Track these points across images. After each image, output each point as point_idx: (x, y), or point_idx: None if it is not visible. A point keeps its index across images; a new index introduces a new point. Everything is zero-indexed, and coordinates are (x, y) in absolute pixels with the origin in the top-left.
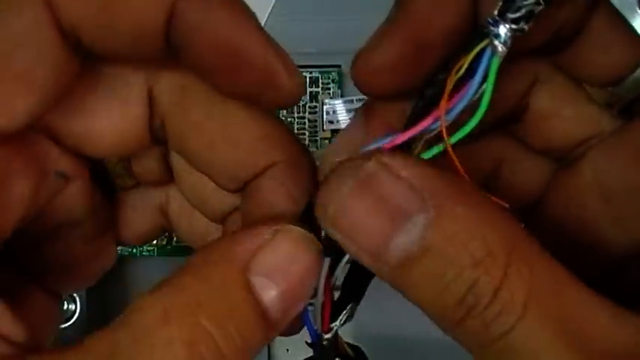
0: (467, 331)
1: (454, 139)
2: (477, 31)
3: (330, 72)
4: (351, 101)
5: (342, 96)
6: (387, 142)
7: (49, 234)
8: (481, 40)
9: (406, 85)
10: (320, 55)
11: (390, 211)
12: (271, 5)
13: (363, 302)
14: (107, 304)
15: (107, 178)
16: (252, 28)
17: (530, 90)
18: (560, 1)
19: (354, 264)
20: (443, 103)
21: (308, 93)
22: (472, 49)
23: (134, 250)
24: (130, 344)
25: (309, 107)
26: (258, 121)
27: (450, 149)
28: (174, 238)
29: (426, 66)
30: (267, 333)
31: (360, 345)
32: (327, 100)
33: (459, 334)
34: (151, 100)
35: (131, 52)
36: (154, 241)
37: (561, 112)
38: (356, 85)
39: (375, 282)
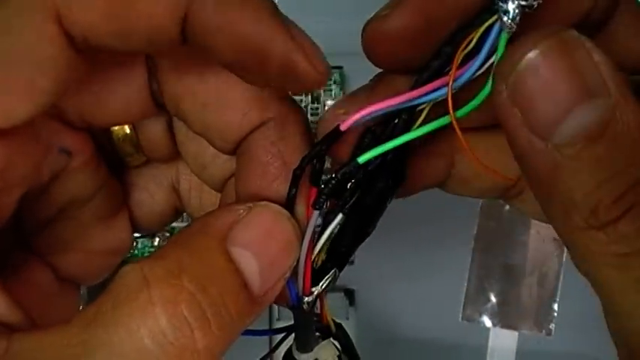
0: (614, 233)
1: (460, 113)
2: (485, 6)
3: (332, 73)
4: None
5: None
6: (380, 105)
7: (58, 212)
8: (490, 16)
9: (415, 57)
10: None
11: (581, 83)
12: None
13: (363, 302)
14: None
15: (116, 158)
16: (269, 21)
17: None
18: None
19: (342, 229)
20: (452, 73)
21: (310, 95)
22: (481, 24)
23: (135, 252)
24: (111, 309)
25: (311, 109)
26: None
27: (454, 122)
28: None
29: (436, 39)
30: (251, 306)
31: (359, 344)
32: (329, 102)
33: (601, 238)
34: (149, 65)
35: (145, 50)
36: (155, 242)
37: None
38: (365, 53)
39: (374, 281)
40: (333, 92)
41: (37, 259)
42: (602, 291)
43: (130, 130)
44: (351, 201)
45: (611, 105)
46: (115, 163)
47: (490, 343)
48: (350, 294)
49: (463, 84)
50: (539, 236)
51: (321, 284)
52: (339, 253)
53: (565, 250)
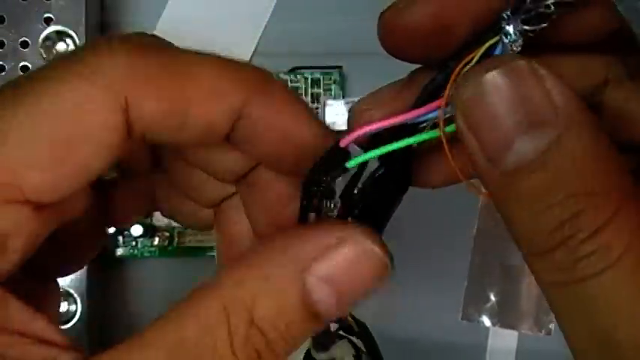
0: (552, 262)
1: (450, 128)
2: (492, 25)
3: (331, 73)
4: (353, 102)
5: (343, 97)
6: (379, 124)
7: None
8: (493, 35)
9: (433, 51)
10: (321, 56)
11: (524, 113)
12: (272, 6)
13: (362, 301)
14: (108, 305)
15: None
16: (311, 122)
17: (603, 89)
18: (570, 7)
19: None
20: (446, 94)
21: (309, 94)
22: (484, 42)
23: (135, 252)
24: (195, 340)
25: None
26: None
27: (444, 138)
28: (176, 239)
29: (453, 36)
30: (317, 327)
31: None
32: (328, 101)
33: (541, 265)
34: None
35: (192, 145)
36: (155, 242)
37: (636, 113)
38: (381, 44)
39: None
40: (332, 92)
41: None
42: (554, 314)
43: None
44: (357, 210)
45: (555, 135)
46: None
47: (490, 343)
48: None
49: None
50: None
51: None
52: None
53: None
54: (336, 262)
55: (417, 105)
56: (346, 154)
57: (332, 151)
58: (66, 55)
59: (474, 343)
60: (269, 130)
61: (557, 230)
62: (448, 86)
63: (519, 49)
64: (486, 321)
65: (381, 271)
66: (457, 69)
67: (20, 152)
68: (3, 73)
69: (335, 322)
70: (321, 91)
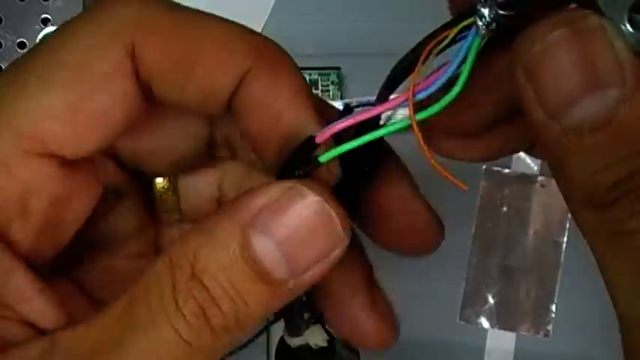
0: (608, 214)
1: (420, 116)
2: (470, 7)
3: (329, 74)
4: (351, 103)
5: (341, 98)
6: (350, 121)
7: (94, 246)
8: (469, 17)
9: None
10: (319, 57)
11: (592, 72)
12: (270, 7)
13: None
14: None
15: (156, 209)
16: (307, 109)
17: None
18: None
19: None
20: (414, 76)
21: None
22: (457, 23)
23: None
24: (144, 296)
25: None
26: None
27: (415, 126)
28: None
29: None
30: (270, 293)
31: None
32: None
33: (596, 216)
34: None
35: (194, 107)
36: None
37: None
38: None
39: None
40: (330, 93)
41: (68, 280)
42: (600, 268)
43: (172, 191)
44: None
45: (622, 96)
46: (155, 212)
47: (488, 344)
48: None
49: (430, 93)
50: (537, 237)
51: None
52: None
53: (563, 251)
54: (279, 214)
55: (387, 86)
56: (315, 147)
57: (305, 145)
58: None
59: (472, 345)
60: (264, 106)
61: (617, 186)
62: (417, 65)
63: (492, 34)
64: (484, 322)
65: (332, 230)
66: (428, 47)
67: (38, 102)
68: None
69: (304, 308)
70: (319, 92)
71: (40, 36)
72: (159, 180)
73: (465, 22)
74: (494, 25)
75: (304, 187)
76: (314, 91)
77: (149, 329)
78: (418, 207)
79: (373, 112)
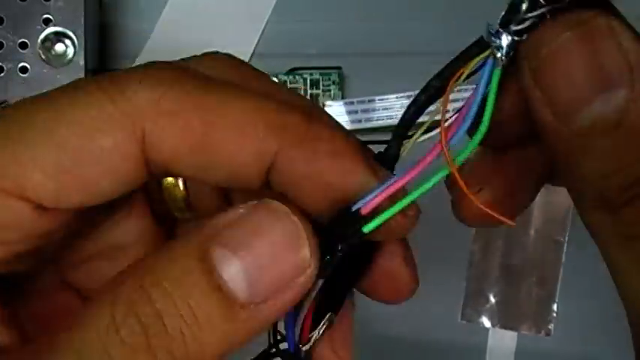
0: (620, 217)
1: (459, 160)
2: (476, 40)
3: (330, 74)
4: (352, 103)
5: (342, 98)
6: (391, 184)
7: (96, 254)
8: (480, 50)
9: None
10: (320, 57)
11: (601, 73)
12: (271, 7)
13: (361, 302)
14: None
15: (165, 209)
16: (361, 171)
17: None
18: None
19: (338, 269)
20: (442, 127)
21: (308, 95)
22: (470, 57)
23: None
24: (81, 312)
25: None
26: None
27: (456, 174)
28: None
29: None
30: (232, 319)
31: (357, 344)
32: (327, 102)
33: (608, 219)
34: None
35: (226, 185)
36: None
37: None
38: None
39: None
40: (331, 93)
41: (68, 287)
42: (611, 270)
43: (182, 190)
44: (332, 267)
45: (632, 97)
46: (164, 212)
47: (489, 344)
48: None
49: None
50: (539, 237)
51: (318, 329)
52: (334, 295)
53: (564, 250)
54: (240, 229)
55: (402, 125)
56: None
57: (347, 218)
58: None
59: (474, 344)
60: (309, 182)
61: (629, 188)
62: (442, 115)
63: (509, 61)
64: (486, 322)
65: (299, 253)
66: (449, 84)
67: (29, 151)
68: (2, 74)
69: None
70: (320, 92)
71: (42, 36)
72: (168, 180)
73: (483, 55)
74: (512, 52)
75: (274, 202)
76: (314, 91)
77: (76, 349)
78: (405, 271)
79: (412, 173)
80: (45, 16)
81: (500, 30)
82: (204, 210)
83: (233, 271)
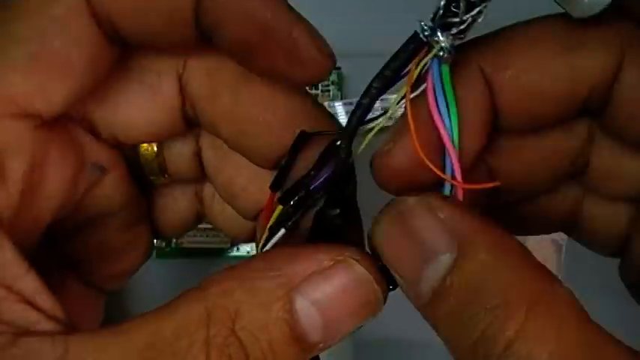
0: None
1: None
2: (410, 37)
3: (329, 74)
4: (351, 103)
5: (342, 98)
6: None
7: (85, 224)
8: (415, 46)
9: (424, 180)
10: None
11: (421, 247)
12: None
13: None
14: (106, 306)
15: (143, 174)
16: (279, 5)
17: (588, 148)
18: None
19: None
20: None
21: None
22: (407, 54)
23: None
24: (171, 339)
25: None
26: (283, 100)
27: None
28: (174, 240)
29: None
30: (301, 353)
31: (357, 344)
32: (326, 103)
33: None
34: (181, 88)
35: (163, 37)
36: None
37: (621, 168)
38: (377, 183)
39: None
40: (331, 93)
41: (64, 268)
42: None
43: (156, 151)
44: (295, 218)
45: (453, 260)
46: (142, 177)
47: None
48: None
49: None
50: (537, 236)
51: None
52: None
53: (563, 250)
54: (326, 284)
55: (355, 118)
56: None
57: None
58: None
59: None
60: (233, 12)
61: (475, 348)
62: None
63: (453, 55)
64: None
65: (373, 302)
66: (407, 96)
67: (2, 59)
68: None
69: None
70: (320, 92)
71: None
72: (144, 145)
73: (428, 58)
74: (453, 51)
75: (352, 261)
76: (314, 92)
77: None
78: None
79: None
80: None
81: (438, 30)
82: (178, 174)
83: (313, 320)
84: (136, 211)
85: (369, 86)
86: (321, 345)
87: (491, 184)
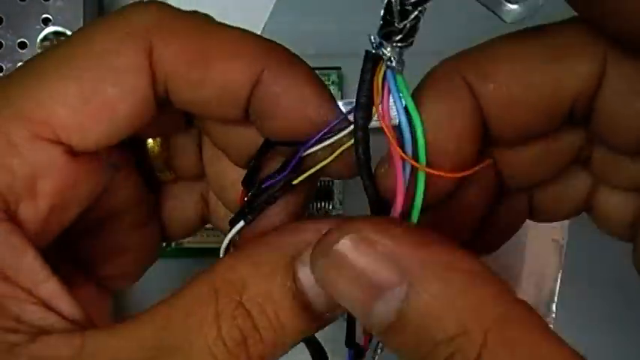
0: None
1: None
2: (365, 56)
3: (330, 74)
4: (351, 103)
5: (342, 98)
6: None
7: (97, 223)
8: (374, 62)
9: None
10: (320, 57)
11: (367, 284)
12: (271, 7)
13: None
14: None
15: (152, 173)
16: (325, 99)
17: (589, 146)
18: None
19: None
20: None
21: None
22: (369, 74)
23: None
24: (183, 318)
25: None
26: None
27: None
28: None
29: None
30: (308, 322)
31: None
32: None
33: None
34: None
35: (211, 108)
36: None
37: (621, 165)
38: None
39: None
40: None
41: (74, 266)
42: None
43: (162, 148)
44: (257, 212)
45: (405, 292)
46: (150, 176)
47: None
48: None
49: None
50: (538, 237)
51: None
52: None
53: (564, 251)
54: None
55: (363, 154)
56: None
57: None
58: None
59: None
60: (285, 101)
61: None
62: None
63: (403, 64)
64: None
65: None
66: (376, 104)
67: (51, 90)
68: (1, 74)
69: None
70: None
71: (41, 36)
72: (150, 140)
73: (382, 73)
74: (403, 60)
75: (351, 227)
76: None
77: (186, 352)
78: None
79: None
80: (44, 15)
81: (384, 42)
82: (183, 170)
83: (317, 293)
84: (145, 211)
85: (355, 119)
86: (327, 315)
87: (457, 175)
